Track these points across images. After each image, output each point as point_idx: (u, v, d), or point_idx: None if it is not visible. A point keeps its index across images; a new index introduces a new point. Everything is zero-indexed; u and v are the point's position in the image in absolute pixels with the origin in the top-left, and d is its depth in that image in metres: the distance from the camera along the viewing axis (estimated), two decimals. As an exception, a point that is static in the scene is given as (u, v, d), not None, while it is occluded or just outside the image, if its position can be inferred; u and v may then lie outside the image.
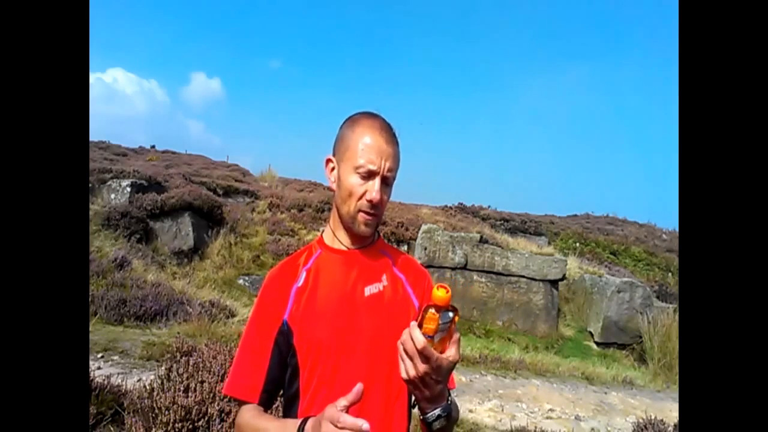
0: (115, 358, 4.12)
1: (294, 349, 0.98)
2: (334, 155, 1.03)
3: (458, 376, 5.27)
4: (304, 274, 1.03)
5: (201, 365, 2.69)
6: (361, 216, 0.99)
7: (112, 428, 2.56)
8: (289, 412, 1.00)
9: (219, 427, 2.26)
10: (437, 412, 0.84)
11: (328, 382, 0.95)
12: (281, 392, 1.03)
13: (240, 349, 1.01)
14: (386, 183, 0.99)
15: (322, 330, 0.97)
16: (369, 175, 0.97)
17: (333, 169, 1.03)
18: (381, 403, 0.98)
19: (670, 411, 4.96)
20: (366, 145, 0.96)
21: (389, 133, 0.99)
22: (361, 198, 0.98)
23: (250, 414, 0.95)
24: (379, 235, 1.12)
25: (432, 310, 0.77)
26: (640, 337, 8.49)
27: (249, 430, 0.93)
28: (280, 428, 0.89)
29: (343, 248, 1.05)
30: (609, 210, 19.92)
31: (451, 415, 0.87)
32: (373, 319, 0.99)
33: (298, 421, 0.85)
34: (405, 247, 9.73)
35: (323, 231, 1.11)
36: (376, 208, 0.98)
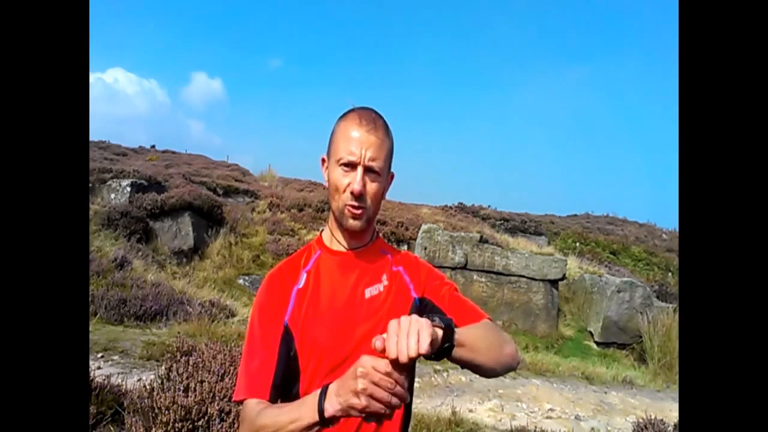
0: (115, 357, 4.12)
1: (295, 352, 0.97)
2: (326, 154, 1.03)
3: (458, 376, 5.27)
4: (304, 276, 1.02)
5: (201, 365, 2.69)
6: (348, 210, 0.98)
7: (112, 428, 2.56)
8: (284, 396, 0.98)
9: (219, 426, 2.26)
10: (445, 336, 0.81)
11: (321, 375, 0.95)
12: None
13: (245, 352, 0.98)
14: (372, 172, 0.97)
15: (323, 333, 0.97)
16: (351, 167, 0.96)
17: (326, 168, 1.03)
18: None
19: (670, 411, 4.96)
20: (346, 137, 0.96)
21: (371, 123, 0.97)
22: (345, 191, 0.96)
23: (259, 407, 0.89)
24: (377, 234, 1.11)
25: None
26: (640, 337, 8.49)
27: (263, 418, 0.85)
28: (297, 404, 0.83)
29: (342, 249, 1.05)
30: (609, 210, 19.93)
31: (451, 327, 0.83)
32: (374, 322, 0.99)
33: (318, 390, 0.80)
34: (405, 247, 9.73)
35: (322, 231, 1.10)
36: (360, 200, 0.96)
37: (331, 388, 0.79)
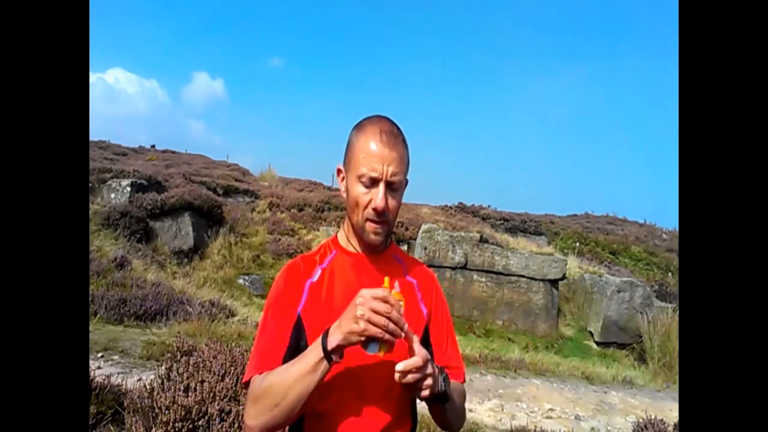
0: (116, 357, 4.12)
1: (306, 343, 0.98)
2: (343, 164, 1.04)
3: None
4: (319, 272, 1.04)
5: (201, 365, 2.69)
6: (369, 225, 0.99)
7: (112, 428, 2.56)
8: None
9: (219, 426, 2.26)
10: (440, 378, 0.91)
11: (335, 382, 0.96)
12: None
13: (258, 336, 1.00)
14: (392, 188, 0.98)
15: None
16: (372, 183, 0.96)
17: (343, 178, 1.04)
18: (388, 408, 0.98)
19: (670, 410, 4.97)
20: (367, 152, 0.96)
21: (391, 137, 0.97)
22: (367, 207, 0.97)
23: (263, 375, 0.93)
24: (391, 240, 1.12)
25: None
26: (640, 337, 8.50)
27: (269, 378, 0.90)
28: (300, 357, 0.89)
29: (357, 251, 1.06)
30: (609, 209, 19.95)
31: (447, 377, 0.95)
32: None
33: (319, 338, 0.87)
34: (405, 247, 9.73)
35: (338, 232, 1.12)
36: (383, 216, 0.98)
37: (332, 326, 0.86)
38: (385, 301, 0.82)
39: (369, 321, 0.81)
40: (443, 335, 1.08)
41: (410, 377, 0.84)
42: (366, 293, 0.83)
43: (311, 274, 1.03)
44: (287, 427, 1.00)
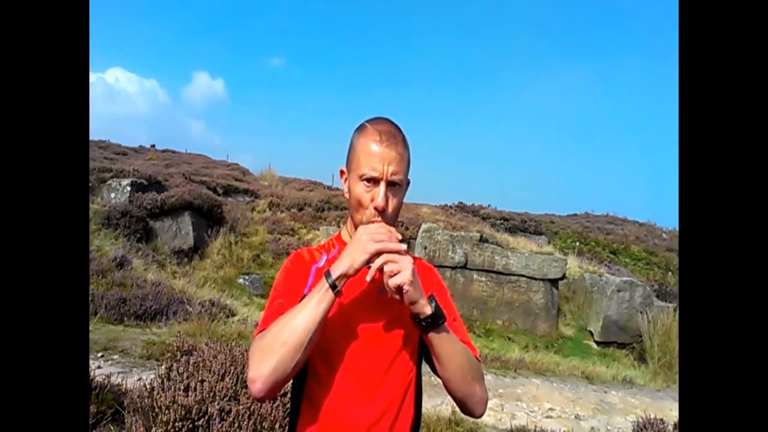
0: (116, 357, 4.12)
1: None
2: (345, 166, 1.06)
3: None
4: (325, 257, 1.07)
5: (201, 364, 2.69)
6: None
7: (112, 427, 2.56)
8: (296, 391, 1.01)
9: (219, 426, 2.26)
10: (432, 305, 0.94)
11: (335, 367, 0.98)
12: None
13: (266, 309, 1.01)
14: (393, 188, 1.00)
15: (335, 317, 0.98)
16: (373, 183, 0.98)
17: (346, 179, 1.06)
18: (389, 393, 0.99)
19: (669, 410, 4.97)
20: (367, 153, 0.98)
21: (391, 137, 0.99)
22: (368, 206, 0.99)
23: (267, 328, 0.93)
24: None
25: None
26: (640, 337, 8.50)
27: (275, 324, 0.91)
28: (306, 299, 0.92)
29: None
30: (609, 209, 20.01)
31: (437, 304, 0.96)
32: (384, 314, 1.01)
33: (322, 278, 0.92)
34: (405, 246, 9.72)
35: (341, 230, 1.14)
36: (383, 215, 0.99)
37: (334, 264, 0.93)
38: (382, 227, 0.92)
39: (372, 239, 0.90)
40: (447, 315, 1.08)
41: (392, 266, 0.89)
42: (365, 226, 0.93)
43: (317, 261, 1.07)
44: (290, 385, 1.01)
